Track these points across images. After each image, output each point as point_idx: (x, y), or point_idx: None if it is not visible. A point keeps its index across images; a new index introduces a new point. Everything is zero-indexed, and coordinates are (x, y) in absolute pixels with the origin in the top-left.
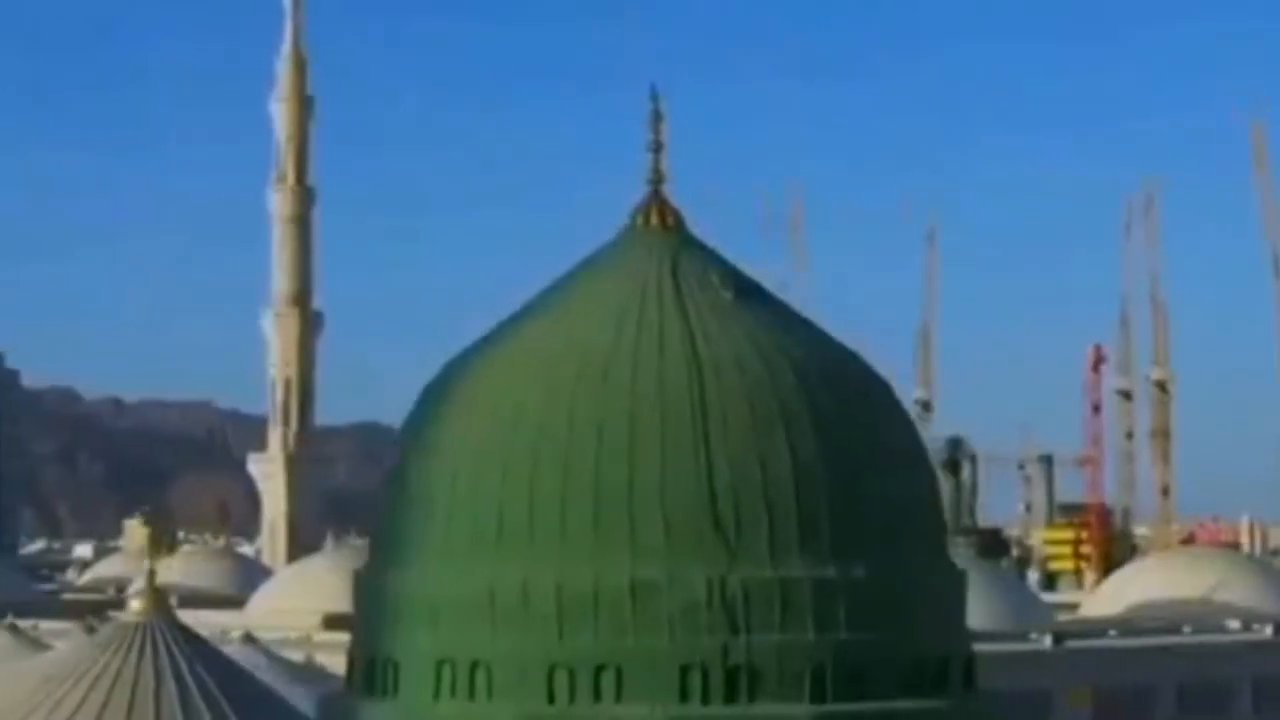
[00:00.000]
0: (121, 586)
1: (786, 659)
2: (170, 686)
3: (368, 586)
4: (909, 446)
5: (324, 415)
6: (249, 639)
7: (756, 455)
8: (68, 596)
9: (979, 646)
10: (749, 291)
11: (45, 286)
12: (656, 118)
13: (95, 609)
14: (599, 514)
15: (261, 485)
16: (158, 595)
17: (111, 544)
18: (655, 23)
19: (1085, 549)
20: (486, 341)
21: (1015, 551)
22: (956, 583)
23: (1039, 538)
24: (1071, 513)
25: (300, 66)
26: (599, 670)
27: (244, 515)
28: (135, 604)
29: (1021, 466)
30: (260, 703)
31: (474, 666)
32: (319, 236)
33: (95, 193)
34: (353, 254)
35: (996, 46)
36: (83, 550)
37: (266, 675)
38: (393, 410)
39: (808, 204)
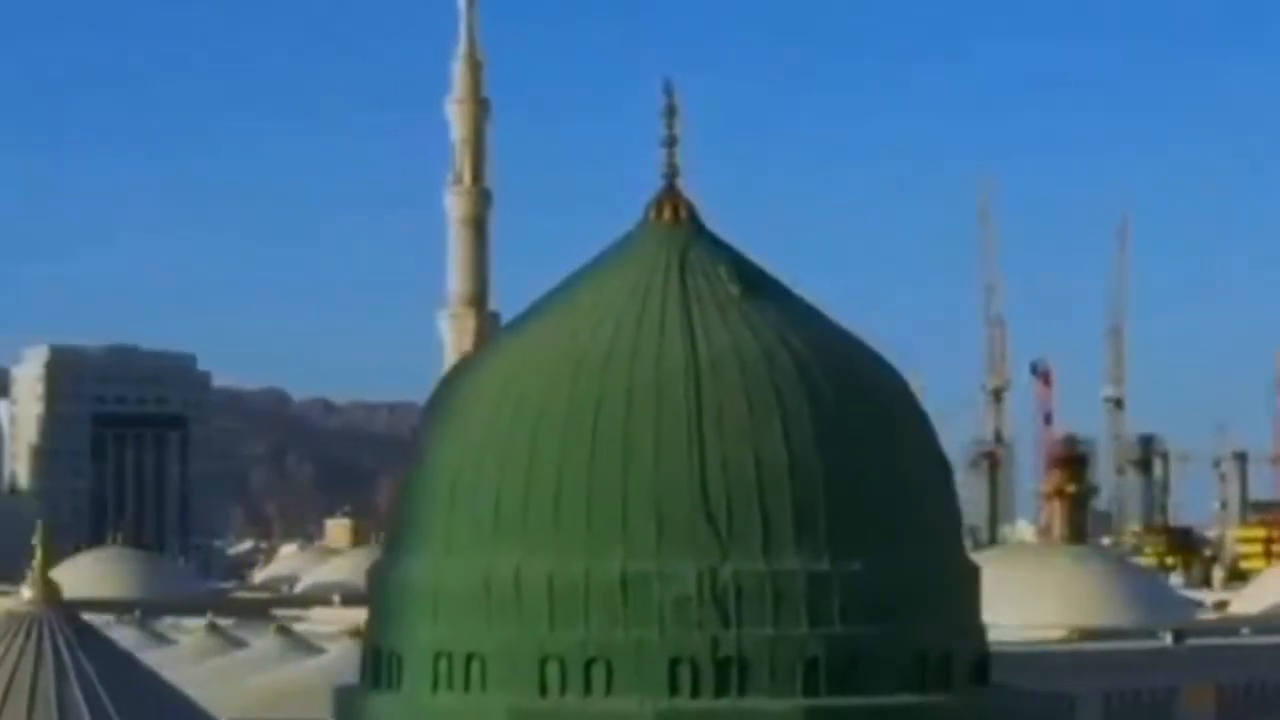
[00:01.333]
0: (291, 584)
1: (778, 652)
2: (49, 676)
3: (378, 580)
4: (919, 441)
5: None
6: (357, 634)
7: (751, 448)
8: (240, 594)
9: (1103, 644)
10: (758, 284)
11: (255, 290)
12: (670, 112)
13: (248, 606)
14: (592, 507)
15: None
16: (49, 586)
17: (319, 544)
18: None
19: (1278, 547)
20: (497, 339)
21: (1208, 550)
22: (966, 578)
23: (1231, 536)
24: (1264, 510)
25: (475, 68)
26: (589, 663)
27: None
28: (26, 593)
29: (1217, 464)
30: (152, 695)
31: (469, 659)
32: (495, 238)
33: (293, 198)
34: (528, 254)
35: (1182, 44)
36: (288, 550)
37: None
38: None
39: (997, 200)
